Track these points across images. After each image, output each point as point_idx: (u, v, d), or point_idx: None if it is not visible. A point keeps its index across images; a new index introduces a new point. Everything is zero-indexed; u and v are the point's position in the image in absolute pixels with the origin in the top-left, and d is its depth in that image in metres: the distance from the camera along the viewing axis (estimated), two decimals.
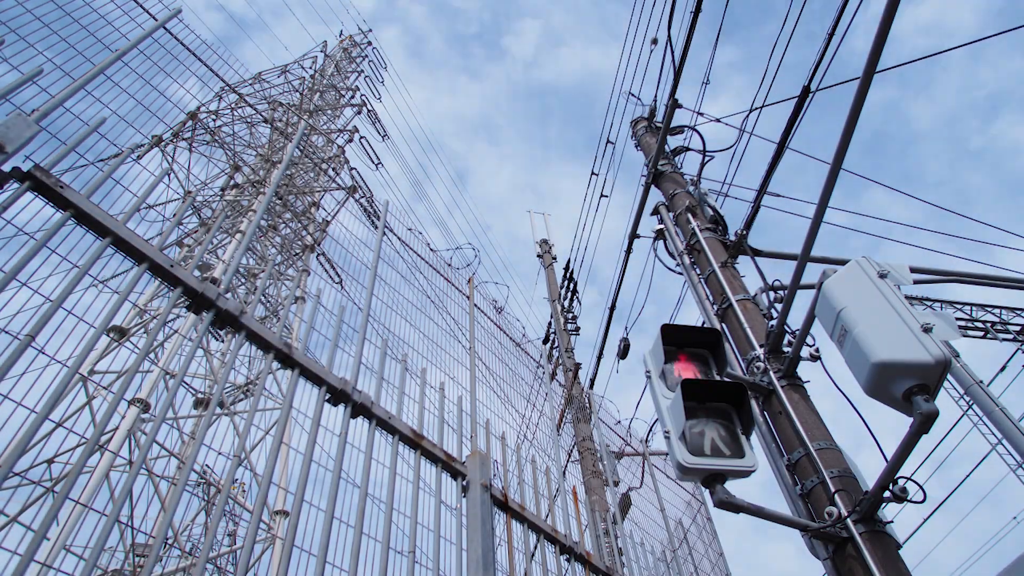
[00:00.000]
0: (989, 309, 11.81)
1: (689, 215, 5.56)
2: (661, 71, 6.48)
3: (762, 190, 4.93)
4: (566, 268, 10.85)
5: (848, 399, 3.41)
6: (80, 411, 8.79)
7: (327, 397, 2.68)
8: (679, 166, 6.50)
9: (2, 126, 1.87)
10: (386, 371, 3.08)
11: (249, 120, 14.78)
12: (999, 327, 11.68)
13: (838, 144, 3.28)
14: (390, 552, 2.49)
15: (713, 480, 3.28)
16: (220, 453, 7.95)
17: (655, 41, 7.44)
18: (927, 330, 2.73)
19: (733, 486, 3.35)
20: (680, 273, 5.52)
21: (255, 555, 10.52)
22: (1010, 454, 10.61)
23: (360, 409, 2.76)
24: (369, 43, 25.51)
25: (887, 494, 2.97)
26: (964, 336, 11.46)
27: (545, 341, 10.93)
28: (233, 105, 14.33)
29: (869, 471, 3.42)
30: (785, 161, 5.02)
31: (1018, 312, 11.73)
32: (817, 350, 3.91)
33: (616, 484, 8.43)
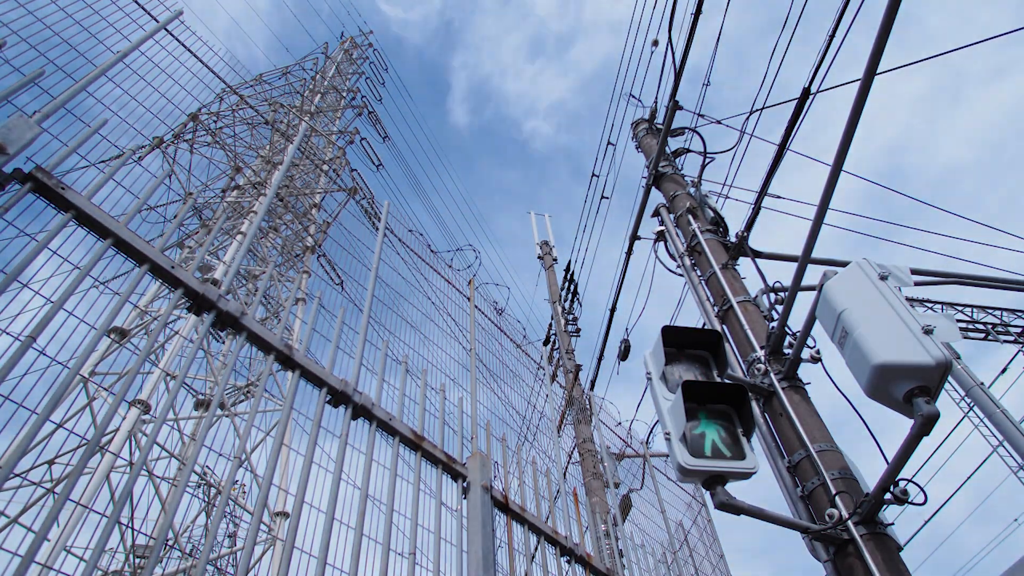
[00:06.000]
0: (990, 311, 11.81)
1: (690, 216, 5.56)
2: (662, 73, 6.49)
3: (763, 192, 4.93)
4: (567, 270, 10.85)
5: (849, 400, 3.40)
6: (81, 412, 8.80)
7: (328, 399, 2.68)
8: (680, 168, 6.51)
9: (3, 128, 1.88)
10: (387, 372, 3.08)
11: (250, 122, 14.80)
12: (1000, 329, 11.68)
13: (839, 146, 3.28)
14: (390, 554, 2.49)
15: (714, 482, 3.27)
16: (221, 454, 7.96)
17: (656, 43, 7.45)
18: (928, 332, 2.73)
19: (735, 487, 3.35)
20: (681, 275, 5.52)
21: (255, 556, 10.51)
22: (1011, 456, 10.60)
23: (361, 410, 2.76)
24: (370, 44, 25.57)
25: (888, 496, 2.97)
26: (965, 338, 11.45)
27: (546, 343, 10.93)
28: (234, 107, 14.34)
29: (869, 473, 3.42)
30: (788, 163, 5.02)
31: (1019, 314, 11.73)
32: (818, 352, 3.90)
33: (617, 486, 8.42)
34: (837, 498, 3.27)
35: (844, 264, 3.36)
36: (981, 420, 8.93)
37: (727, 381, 3.74)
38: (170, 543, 9.66)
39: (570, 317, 10.67)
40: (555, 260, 12.09)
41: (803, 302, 3.91)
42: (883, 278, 3.10)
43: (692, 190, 6.00)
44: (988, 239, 6.01)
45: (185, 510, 9.96)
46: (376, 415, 2.81)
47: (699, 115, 6.57)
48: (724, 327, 4.67)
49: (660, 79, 6.63)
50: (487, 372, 7.58)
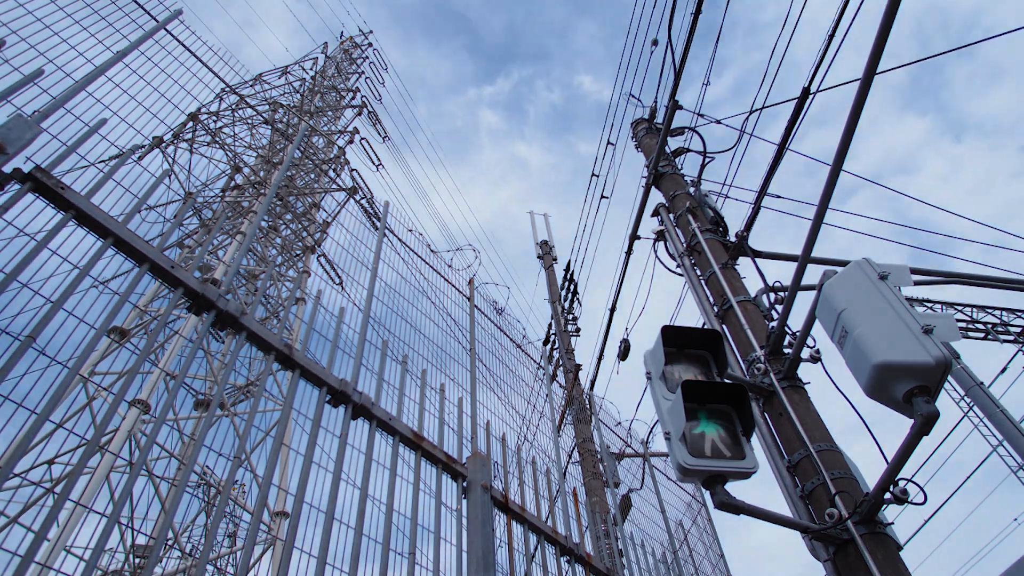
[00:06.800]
0: (990, 311, 11.82)
1: (690, 216, 5.56)
2: (662, 72, 6.48)
3: (762, 191, 4.93)
4: (566, 269, 10.85)
5: (849, 400, 3.40)
6: (80, 412, 8.81)
7: (327, 398, 2.68)
8: (680, 167, 6.50)
9: (3, 127, 1.88)
10: (386, 372, 3.08)
11: (250, 121, 14.79)
12: (1000, 328, 11.69)
13: (838, 145, 3.28)
14: (390, 553, 2.49)
15: (714, 481, 3.27)
16: (220, 454, 7.97)
17: (655, 42, 7.44)
18: (928, 331, 2.72)
19: (734, 487, 3.35)
20: (681, 274, 5.52)
21: (255, 556, 10.51)
22: (1011, 455, 10.60)
23: (360, 410, 2.76)
24: (370, 44, 25.56)
25: (888, 496, 2.97)
26: (965, 338, 11.46)
27: (545, 342, 10.93)
28: (234, 106, 14.34)
29: (869, 473, 3.42)
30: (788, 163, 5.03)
31: (1019, 313, 11.73)
32: (818, 351, 3.90)
33: (616, 485, 8.42)
34: (837, 498, 3.27)
35: (844, 264, 3.35)
36: (981, 420, 8.94)
37: (727, 381, 3.74)
38: (170, 543, 9.66)
39: (570, 317, 10.67)
40: (555, 260, 12.09)
41: (803, 302, 3.91)
42: (883, 278, 3.09)
43: (692, 190, 5.99)
44: (988, 239, 6.01)
45: (185, 510, 9.96)
46: (375, 415, 2.81)
47: (699, 115, 6.57)
48: (724, 327, 4.67)
49: (660, 78, 6.63)
50: (487, 372, 7.58)
